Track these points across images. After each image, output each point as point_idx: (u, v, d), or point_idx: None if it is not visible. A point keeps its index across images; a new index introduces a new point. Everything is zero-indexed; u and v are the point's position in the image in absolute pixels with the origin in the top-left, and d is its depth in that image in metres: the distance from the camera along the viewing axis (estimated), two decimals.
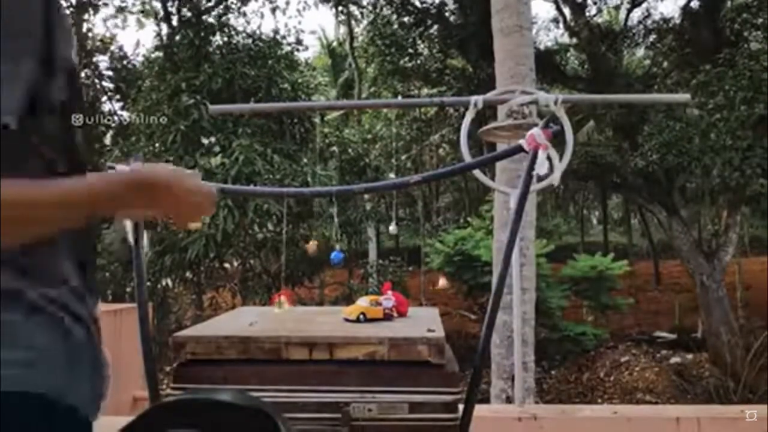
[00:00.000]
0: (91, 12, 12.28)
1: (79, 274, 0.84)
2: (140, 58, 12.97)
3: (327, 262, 7.69)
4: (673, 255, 13.35)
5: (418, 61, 14.68)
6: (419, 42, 14.38)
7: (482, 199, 13.32)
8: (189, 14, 10.63)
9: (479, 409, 1.60)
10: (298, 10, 18.85)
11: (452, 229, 13.81)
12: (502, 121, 2.98)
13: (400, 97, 15.04)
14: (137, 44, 24.38)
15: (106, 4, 12.31)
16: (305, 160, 9.74)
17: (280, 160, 9.00)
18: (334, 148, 12.67)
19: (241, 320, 1.79)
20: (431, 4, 13.55)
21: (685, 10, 12.46)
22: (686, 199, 12.53)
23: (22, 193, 0.70)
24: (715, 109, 8.65)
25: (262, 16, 19.57)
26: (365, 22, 15.50)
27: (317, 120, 11.13)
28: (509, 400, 4.61)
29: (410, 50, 14.38)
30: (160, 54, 10.79)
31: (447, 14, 13.85)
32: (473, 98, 2.80)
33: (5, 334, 0.73)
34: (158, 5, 11.38)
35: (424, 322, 1.73)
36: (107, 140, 12.51)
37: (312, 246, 8.59)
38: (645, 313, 14.21)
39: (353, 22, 16.55)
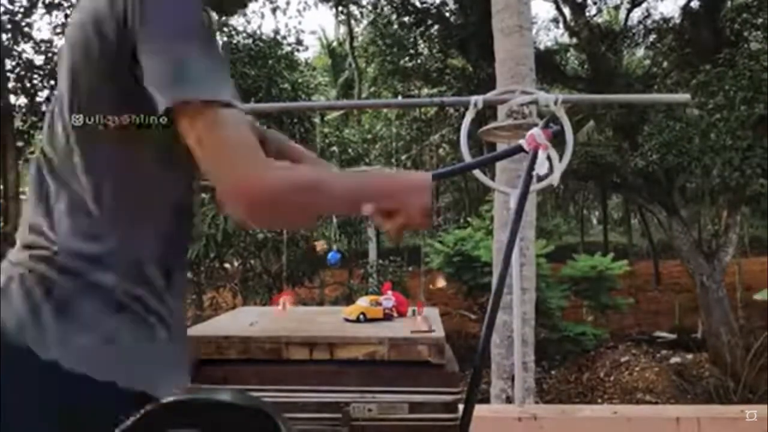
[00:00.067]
0: None
1: (164, 276, 0.87)
2: None
3: (326, 262, 7.69)
4: (673, 255, 13.35)
5: (418, 61, 14.69)
6: (419, 42, 14.39)
7: (482, 199, 13.32)
8: None
9: (479, 409, 1.60)
10: (298, 10, 18.88)
11: (452, 229, 13.81)
12: (502, 121, 2.98)
13: (400, 97, 15.06)
14: None
15: None
16: None
17: None
18: (334, 148, 12.67)
19: (242, 320, 1.79)
20: (431, 4, 13.55)
21: (685, 10, 12.46)
22: (686, 199, 12.54)
23: (326, 182, 0.84)
24: (715, 109, 8.65)
25: (263, 16, 19.66)
26: (365, 21, 15.51)
27: (317, 120, 11.15)
28: (509, 400, 4.61)
29: (410, 50, 14.40)
30: None
31: (447, 14, 13.85)
32: (473, 98, 2.79)
33: (94, 325, 0.79)
34: None
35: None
36: None
37: (321, 244, 8.58)
38: (645, 313, 14.20)
39: (353, 21, 16.55)
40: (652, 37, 13.75)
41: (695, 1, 12.21)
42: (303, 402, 1.48)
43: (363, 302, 1.82)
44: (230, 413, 0.77)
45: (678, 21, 12.80)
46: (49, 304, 0.78)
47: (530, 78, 4.99)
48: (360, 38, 17.06)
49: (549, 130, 1.42)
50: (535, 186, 2.61)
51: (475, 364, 1.52)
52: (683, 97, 3.74)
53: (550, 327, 10.67)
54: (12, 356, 0.76)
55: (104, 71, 0.80)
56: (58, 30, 10.28)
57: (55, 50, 10.25)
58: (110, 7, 0.78)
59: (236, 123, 0.77)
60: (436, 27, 13.92)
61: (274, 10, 12.25)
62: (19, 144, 10.65)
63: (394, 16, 13.72)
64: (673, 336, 12.17)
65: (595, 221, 29.13)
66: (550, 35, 24.72)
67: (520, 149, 1.45)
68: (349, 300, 9.03)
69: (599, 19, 14.90)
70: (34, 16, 10.47)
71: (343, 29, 19.11)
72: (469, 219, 13.66)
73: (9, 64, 10.32)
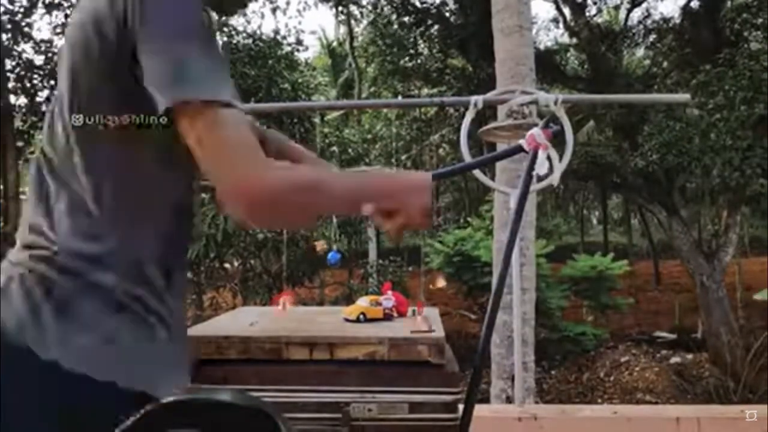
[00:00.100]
0: None
1: (164, 276, 0.87)
2: None
3: (326, 262, 7.70)
4: (673, 255, 13.35)
5: (418, 61, 14.68)
6: (419, 42, 14.39)
7: (482, 199, 13.32)
8: None
9: (479, 409, 1.60)
10: (298, 10, 18.88)
11: (452, 229, 13.81)
12: (502, 121, 2.98)
13: (400, 97, 15.05)
14: None
15: None
16: None
17: None
18: (334, 148, 12.67)
19: (242, 320, 1.79)
20: (431, 4, 13.54)
21: (685, 10, 12.46)
22: (686, 199, 12.54)
23: (326, 182, 0.85)
24: (715, 109, 8.65)
25: (263, 16, 19.65)
26: (365, 21, 15.51)
27: (317, 120, 11.15)
28: (509, 400, 4.61)
29: (410, 50, 14.39)
30: None
31: (447, 14, 13.85)
32: (473, 98, 2.79)
33: (94, 325, 0.79)
34: None
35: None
36: None
37: (321, 244, 8.59)
38: (645, 313, 14.20)
39: (353, 21, 16.54)
40: (652, 37, 13.75)
41: (695, 1, 12.22)
42: (303, 402, 1.48)
43: (363, 302, 1.82)
44: (230, 413, 0.77)
45: (678, 21, 12.81)
46: (49, 304, 0.78)
47: (530, 78, 4.99)
48: (360, 38, 17.05)
49: (549, 130, 1.41)
50: (535, 186, 2.61)
51: (475, 364, 1.52)
52: (683, 97, 3.75)
53: (550, 327, 10.66)
54: (12, 356, 0.76)
55: (104, 71, 0.80)
56: (58, 30, 10.28)
57: (55, 50, 10.25)
58: (110, 7, 0.78)
59: (236, 123, 0.77)
60: (436, 27, 13.92)
61: (274, 10, 12.26)
62: (19, 144, 10.65)
63: (394, 16, 13.72)
64: (673, 336, 12.17)
65: (595, 221, 29.13)
66: (550, 35, 24.73)
67: (520, 149, 1.44)
68: (349, 300, 9.03)
69: (599, 19, 14.91)
70: (34, 16, 10.49)
71: (343, 29, 19.12)
72: (469, 219, 13.66)
73: (9, 64, 10.33)
